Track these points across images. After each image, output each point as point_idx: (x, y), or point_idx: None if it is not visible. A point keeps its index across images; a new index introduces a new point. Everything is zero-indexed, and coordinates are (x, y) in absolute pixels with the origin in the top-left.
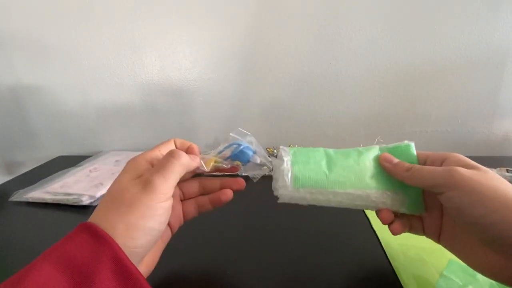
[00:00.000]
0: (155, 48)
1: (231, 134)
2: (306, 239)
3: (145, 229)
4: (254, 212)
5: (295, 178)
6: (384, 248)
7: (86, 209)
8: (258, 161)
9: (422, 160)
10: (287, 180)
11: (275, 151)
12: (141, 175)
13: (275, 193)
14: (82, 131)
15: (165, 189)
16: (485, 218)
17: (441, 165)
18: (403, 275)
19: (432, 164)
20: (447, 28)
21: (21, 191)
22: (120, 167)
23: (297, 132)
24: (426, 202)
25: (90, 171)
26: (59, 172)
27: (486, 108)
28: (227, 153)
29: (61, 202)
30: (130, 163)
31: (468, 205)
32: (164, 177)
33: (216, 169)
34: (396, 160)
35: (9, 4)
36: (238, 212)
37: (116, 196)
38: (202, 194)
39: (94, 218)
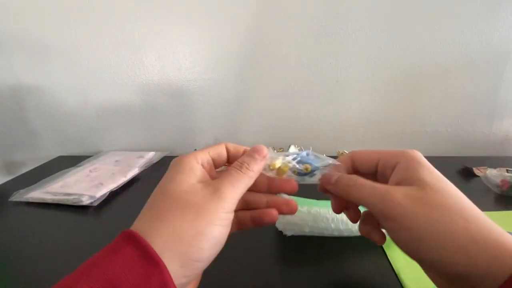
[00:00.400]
0: (155, 48)
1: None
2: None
3: (211, 239)
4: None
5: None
6: (385, 249)
7: (86, 209)
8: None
9: (374, 162)
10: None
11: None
12: (202, 180)
13: (280, 228)
14: (82, 131)
15: (233, 199)
16: (426, 255)
17: (392, 171)
18: (404, 276)
19: (384, 168)
20: (447, 28)
21: (21, 191)
22: (120, 167)
23: (297, 132)
24: None
25: (90, 171)
26: (59, 172)
27: (486, 108)
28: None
29: (61, 202)
30: (181, 163)
31: (404, 238)
32: (233, 187)
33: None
34: (335, 177)
35: (9, 4)
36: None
37: (178, 199)
38: (243, 209)
39: (144, 225)
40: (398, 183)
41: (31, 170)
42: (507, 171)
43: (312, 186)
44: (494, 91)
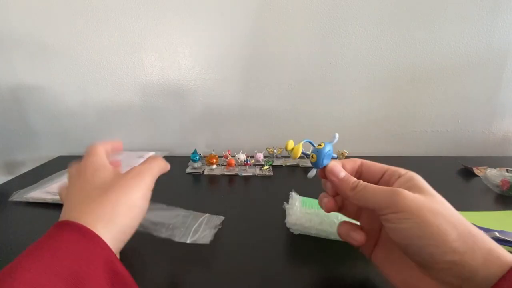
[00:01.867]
0: (155, 48)
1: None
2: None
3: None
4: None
5: (302, 202)
6: None
7: None
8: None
9: (381, 173)
10: (296, 204)
11: (275, 151)
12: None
13: (288, 226)
14: (82, 131)
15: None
16: (420, 240)
17: (395, 180)
18: None
19: (389, 178)
20: (447, 28)
21: (21, 191)
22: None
23: (297, 132)
24: (368, 220)
25: None
26: (59, 172)
27: (486, 108)
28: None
29: (61, 202)
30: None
31: (406, 226)
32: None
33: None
34: (342, 173)
35: (9, 4)
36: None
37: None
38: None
39: (73, 214)
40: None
41: (31, 170)
42: (507, 171)
43: (322, 188)
44: (494, 91)
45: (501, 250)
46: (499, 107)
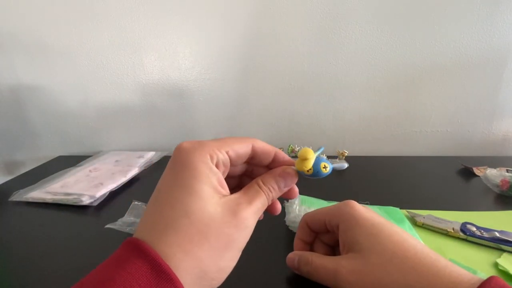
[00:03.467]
0: (155, 48)
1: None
2: None
3: (229, 270)
4: None
5: (302, 200)
6: None
7: (86, 209)
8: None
9: (322, 223)
10: (296, 202)
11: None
12: (218, 191)
13: (287, 223)
14: (82, 131)
15: (253, 225)
16: None
17: (337, 230)
18: None
19: (331, 229)
20: (447, 28)
21: (21, 191)
22: (120, 167)
23: (297, 132)
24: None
25: (90, 171)
26: (59, 172)
27: (486, 108)
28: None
29: (61, 202)
30: (194, 164)
31: None
32: (256, 214)
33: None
34: (296, 259)
35: (9, 4)
36: None
37: (204, 226)
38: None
39: (154, 238)
40: (343, 246)
41: (31, 170)
42: (507, 171)
43: (322, 187)
44: (494, 91)
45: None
46: (499, 107)
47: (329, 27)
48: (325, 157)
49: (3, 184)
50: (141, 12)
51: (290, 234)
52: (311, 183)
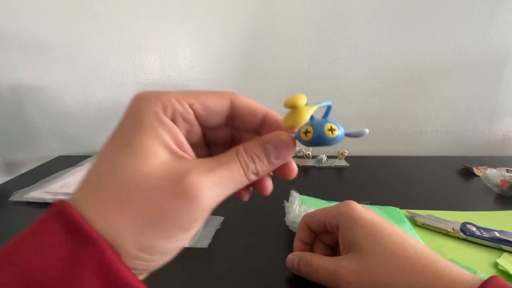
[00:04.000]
0: (155, 48)
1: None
2: None
3: (166, 251)
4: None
5: (302, 200)
6: None
7: None
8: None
9: (322, 224)
10: (296, 202)
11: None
12: (174, 152)
13: (287, 224)
14: (82, 131)
15: (214, 204)
16: None
17: (337, 231)
18: None
19: (331, 229)
20: (447, 28)
21: (21, 191)
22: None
23: None
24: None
25: None
26: (59, 172)
27: (486, 108)
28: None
29: None
30: (142, 116)
31: None
32: (221, 188)
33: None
34: (296, 260)
35: (9, 3)
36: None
37: (124, 182)
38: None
39: (82, 200)
40: (343, 246)
41: (31, 170)
42: (507, 170)
43: (322, 185)
44: (494, 90)
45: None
46: (499, 106)
47: (329, 27)
48: (333, 120)
49: (3, 184)
50: (141, 12)
51: (290, 234)
52: (310, 182)
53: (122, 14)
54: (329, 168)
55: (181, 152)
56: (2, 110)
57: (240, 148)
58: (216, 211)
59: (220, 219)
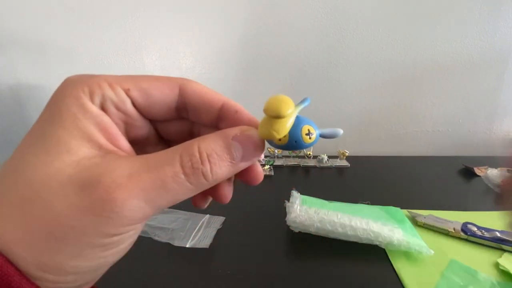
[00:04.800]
0: (156, 48)
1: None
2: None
3: (81, 270)
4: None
5: (302, 200)
6: (388, 254)
7: None
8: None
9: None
10: (297, 202)
11: (276, 151)
12: (100, 145)
13: (288, 223)
14: None
15: (142, 218)
16: None
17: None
18: (404, 274)
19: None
20: (448, 28)
21: None
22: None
23: None
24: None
25: None
26: None
27: (487, 108)
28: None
29: None
30: (62, 93)
31: None
32: (141, 190)
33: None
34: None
35: (9, 3)
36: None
37: (22, 185)
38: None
39: None
40: None
41: None
42: (508, 170)
43: (323, 185)
44: (495, 90)
45: None
46: (500, 107)
47: (330, 26)
48: (306, 117)
49: None
50: (142, 12)
51: (291, 234)
52: (311, 182)
53: (122, 14)
54: (330, 168)
55: (111, 147)
56: (2, 110)
57: (192, 145)
58: (217, 211)
59: (221, 219)
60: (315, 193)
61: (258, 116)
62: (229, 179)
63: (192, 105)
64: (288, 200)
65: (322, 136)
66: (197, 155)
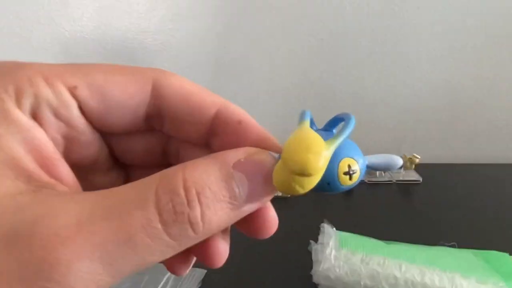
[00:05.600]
0: None
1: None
2: None
3: None
4: None
5: (341, 240)
6: None
7: None
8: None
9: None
10: (331, 244)
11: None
12: (27, 176)
13: (315, 280)
14: None
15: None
16: None
17: None
18: None
19: None
20: None
21: None
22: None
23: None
24: None
25: None
26: None
27: None
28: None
29: None
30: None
31: None
32: (111, 262)
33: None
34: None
35: None
36: None
37: None
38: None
39: None
40: None
41: None
42: None
43: (375, 214)
44: None
45: None
46: None
47: None
48: (350, 143)
49: None
50: None
51: None
52: (355, 209)
53: None
54: (387, 184)
55: (45, 177)
56: None
57: (175, 176)
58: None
59: (200, 273)
60: (361, 228)
61: (258, 92)
62: (225, 230)
63: (170, 111)
64: (316, 241)
65: (371, 168)
66: (182, 192)
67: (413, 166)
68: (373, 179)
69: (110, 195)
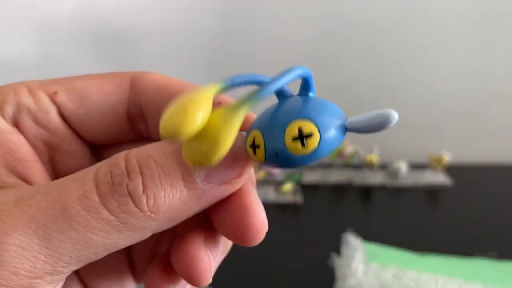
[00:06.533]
0: None
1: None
2: None
3: None
4: None
5: (368, 253)
6: None
7: None
8: None
9: None
10: (357, 257)
11: None
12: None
13: None
14: None
15: (45, 270)
16: None
17: None
18: None
19: None
20: None
21: None
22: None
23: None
24: None
25: None
26: None
27: None
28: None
29: None
30: None
31: None
32: (62, 230)
33: None
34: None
35: None
36: None
37: None
38: None
39: None
40: None
41: None
42: None
43: (404, 223)
44: None
45: None
46: None
47: None
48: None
49: None
50: None
51: None
52: (381, 217)
53: None
54: (412, 189)
55: (12, 178)
56: None
57: (120, 153)
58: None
59: None
60: (387, 239)
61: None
62: (209, 239)
63: (151, 105)
64: (338, 253)
65: (351, 130)
66: (123, 164)
67: (442, 166)
68: (398, 183)
69: (60, 179)
